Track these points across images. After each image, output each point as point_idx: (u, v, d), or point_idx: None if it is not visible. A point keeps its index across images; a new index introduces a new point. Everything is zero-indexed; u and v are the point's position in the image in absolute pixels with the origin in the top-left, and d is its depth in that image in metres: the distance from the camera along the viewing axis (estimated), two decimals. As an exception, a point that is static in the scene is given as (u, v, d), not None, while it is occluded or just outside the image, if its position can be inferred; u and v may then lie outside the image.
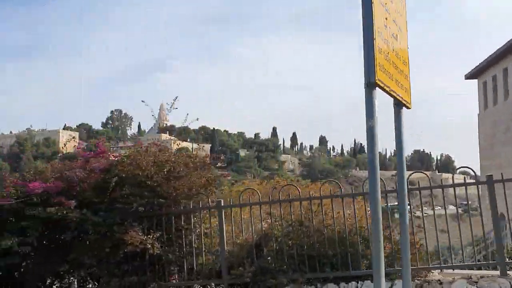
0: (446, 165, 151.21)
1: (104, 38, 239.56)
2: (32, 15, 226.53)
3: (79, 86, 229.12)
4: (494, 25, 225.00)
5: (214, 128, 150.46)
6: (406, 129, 3.65)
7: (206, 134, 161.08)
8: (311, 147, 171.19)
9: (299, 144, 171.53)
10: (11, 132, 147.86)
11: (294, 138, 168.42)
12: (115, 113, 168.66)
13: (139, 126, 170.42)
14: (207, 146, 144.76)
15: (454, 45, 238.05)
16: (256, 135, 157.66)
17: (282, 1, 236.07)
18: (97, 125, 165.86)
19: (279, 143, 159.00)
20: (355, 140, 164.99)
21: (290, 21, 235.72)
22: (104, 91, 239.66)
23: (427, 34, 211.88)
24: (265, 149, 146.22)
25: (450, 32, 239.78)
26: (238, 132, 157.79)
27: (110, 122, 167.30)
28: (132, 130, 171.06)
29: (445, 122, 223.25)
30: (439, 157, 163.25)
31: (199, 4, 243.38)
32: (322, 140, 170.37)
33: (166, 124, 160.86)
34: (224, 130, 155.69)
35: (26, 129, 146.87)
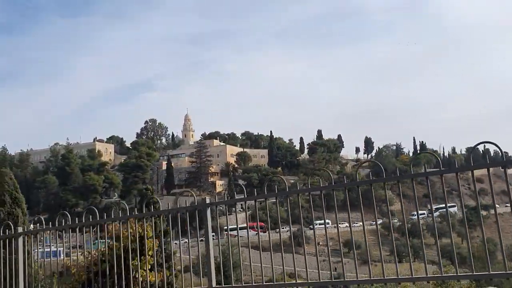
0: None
1: (90, 61, 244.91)
2: (15, 42, 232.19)
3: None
4: None
5: (271, 132, 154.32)
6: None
7: (248, 140, 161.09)
8: (357, 149, 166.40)
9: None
10: (31, 149, 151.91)
11: (339, 139, 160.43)
12: (149, 123, 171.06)
13: (172, 135, 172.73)
14: (264, 152, 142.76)
15: None
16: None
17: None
18: (130, 138, 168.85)
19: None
20: (414, 139, 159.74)
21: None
22: (106, 109, 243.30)
23: None
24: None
25: None
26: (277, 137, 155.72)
27: (145, 132, 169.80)
28: (166, 140, 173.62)
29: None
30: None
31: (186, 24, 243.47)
32: (368, 141, 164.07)
33: (192, 134, 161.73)
34: (270, 135, 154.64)
35: (55, 143, 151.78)
